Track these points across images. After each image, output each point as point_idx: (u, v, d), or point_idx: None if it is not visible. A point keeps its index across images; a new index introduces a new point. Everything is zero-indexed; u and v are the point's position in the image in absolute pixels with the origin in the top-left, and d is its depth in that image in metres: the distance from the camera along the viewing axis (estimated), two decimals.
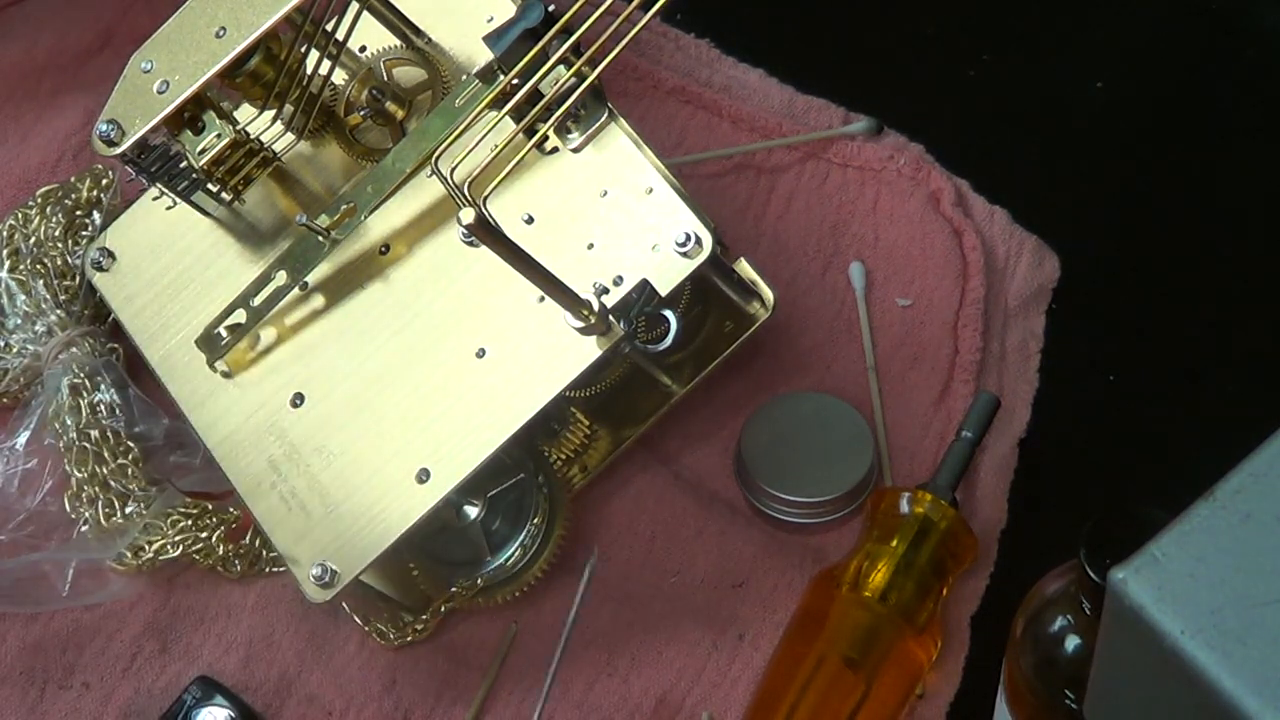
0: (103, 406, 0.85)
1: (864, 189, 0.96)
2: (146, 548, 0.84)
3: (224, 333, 0.81)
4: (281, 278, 0.81)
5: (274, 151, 0.83)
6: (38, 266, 0.89)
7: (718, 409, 0.89)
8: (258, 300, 0.81)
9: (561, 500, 0.84)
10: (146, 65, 0.76)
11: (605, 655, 0.83)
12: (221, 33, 0.75)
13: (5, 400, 0.89)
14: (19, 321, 0.88)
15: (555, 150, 0.79)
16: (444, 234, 0.80)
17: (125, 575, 0.85)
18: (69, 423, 0.85)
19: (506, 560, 0.83)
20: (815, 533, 0.87)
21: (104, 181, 0.91)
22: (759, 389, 0.90)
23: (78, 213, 0.91)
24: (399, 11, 0.82)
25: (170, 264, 0.84)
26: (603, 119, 0.79)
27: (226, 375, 0.82)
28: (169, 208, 0.84)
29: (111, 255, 0.86)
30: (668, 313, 0.78)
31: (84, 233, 0.90)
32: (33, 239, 0.89)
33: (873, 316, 0.92)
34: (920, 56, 1.03)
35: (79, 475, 0.84)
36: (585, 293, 0.74)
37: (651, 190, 0.78)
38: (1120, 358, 0.92)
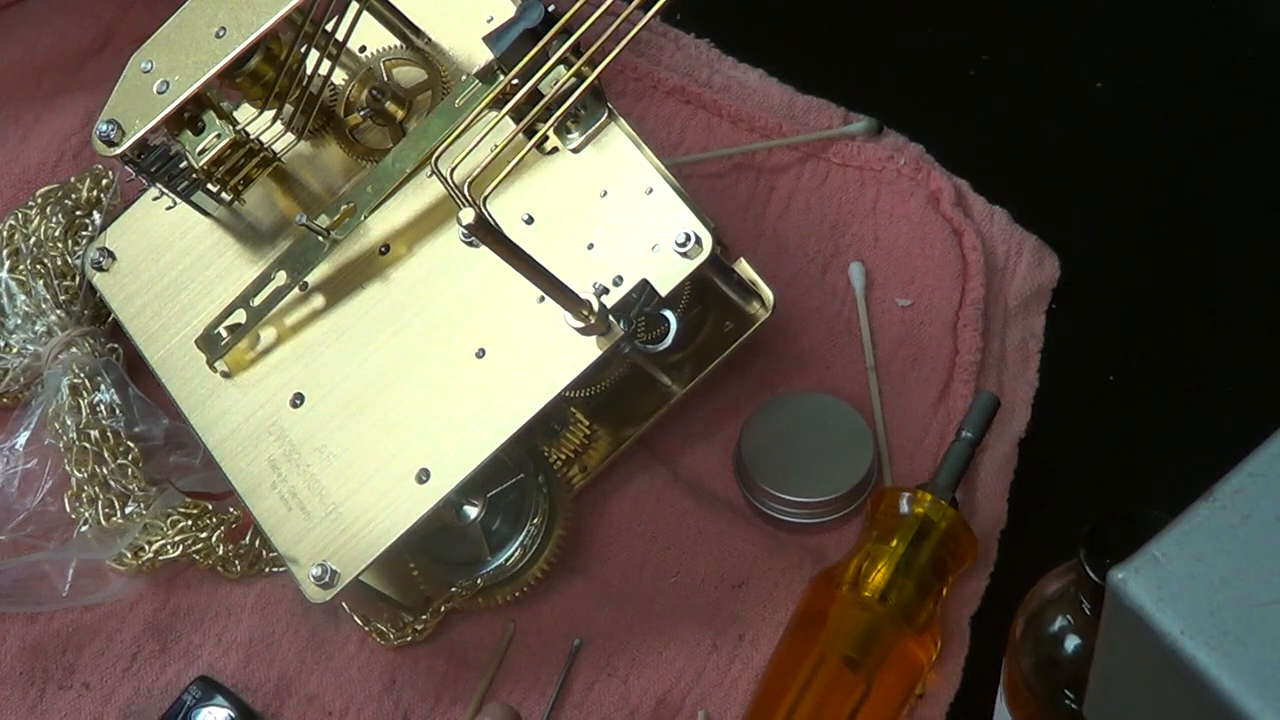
0: (103, 406, 0.85)
1: (864, 189, 0.96)
2: (146, 548, 0.84)
3: (224, 333, 0.81)
4: (281, 278, 0.81)
5: (274, 151, 0.83)
6: (38, 266, 0.89)
7: (718, 409, 0.89)
8: (258, 300, 0.81)
9: (561, 500, 0.84)
10: (146, 65, 0.76)
11: (605, 655, 0.83)
12: (221, 33, 0.75)
13: (5, 400, 0.89)
14: (19, 321, 0.88)
15: (555, 150, 0.79)
16: (444, 234, 0.80)
17: (125, 575, 0.85)
18: (69, 423, 0.85)
19: (506, 560, 0.83)
20: (815, 533, 0.86)
21: (104, 181, 0.91)
22: (759, 389, 0.90)
23: (78, 213, 0.91)
24: (399, 11, 0.82)
25: (170, 264, 0.84)
26: (603, 119, 0.79)
27: (226, 375, 0.82)
28: (169, 208, 0.84)
29: (111, 255, 0.86)
30: (668, 313, 0.78)
31: (84, 233, 0.90)
32: (33, 239, 0.89)
33: (873, 316, 0.92)
34: (920, 56, 1.03)
35: (79, 475, 0.84)
36: (585, 293, 0.74)
37: (651, 190, 0.78)
38: (1120, 358, 0.92)
